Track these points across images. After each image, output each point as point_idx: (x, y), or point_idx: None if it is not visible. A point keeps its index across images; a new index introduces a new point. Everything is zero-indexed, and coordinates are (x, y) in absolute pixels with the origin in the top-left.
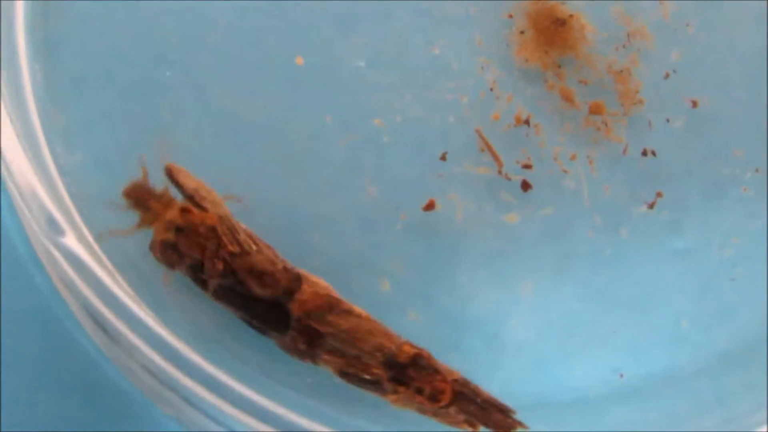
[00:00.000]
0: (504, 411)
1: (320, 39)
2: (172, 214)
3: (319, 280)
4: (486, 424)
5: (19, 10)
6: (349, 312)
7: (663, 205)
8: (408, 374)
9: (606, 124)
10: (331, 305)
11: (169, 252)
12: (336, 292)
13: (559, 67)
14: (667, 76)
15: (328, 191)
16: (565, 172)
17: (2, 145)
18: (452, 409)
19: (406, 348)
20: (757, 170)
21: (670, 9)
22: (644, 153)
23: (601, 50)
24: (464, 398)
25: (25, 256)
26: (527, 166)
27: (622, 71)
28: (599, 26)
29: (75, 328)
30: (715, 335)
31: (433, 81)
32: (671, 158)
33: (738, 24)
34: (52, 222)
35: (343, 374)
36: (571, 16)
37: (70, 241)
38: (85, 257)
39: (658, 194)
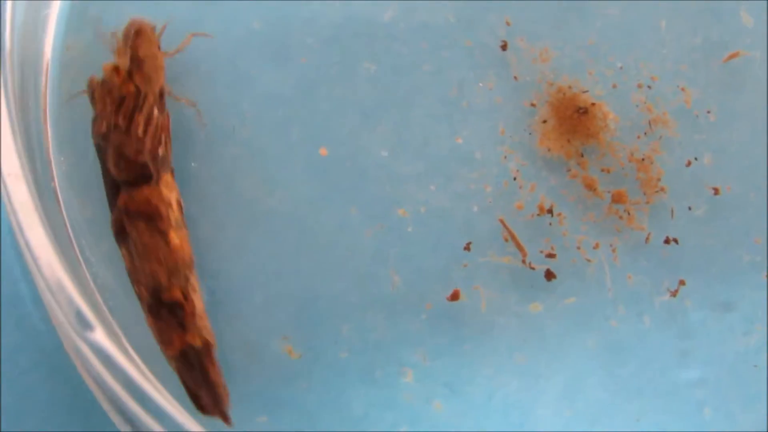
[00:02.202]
0: (216, 400)
1: (344, 129)
2: (107, 67)
3: (173, 194)
4: (192, 398)
5: (45, 100)
6: (160, 232)
7: (685, 293)
8: (161, 313)
9: (628, 213)
10: (151, 218)
11: (90, 95)
12: (175, 212)
13: (582, 155)
14: (689, 164)
15: (354, 281)
16: (588, 261)
17: (30, 240)
18: (174, 365)
19: (176, 294)
20: None
21: (692, 96)
22: (667, 241)
23: (624, 138)
24: (188, 363)
25: (50, 347)
26: (551, 256)
27: (644, 159)
28: (621, 114)
29: (103, 420)
30: (740, 423)
31: (457, 171)
32: (694, 246)
33: (759, 111)
34: (80, 317)
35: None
36: (593, 104)
37: (99, 335)
38: (113, 352)
39: (681, 282)
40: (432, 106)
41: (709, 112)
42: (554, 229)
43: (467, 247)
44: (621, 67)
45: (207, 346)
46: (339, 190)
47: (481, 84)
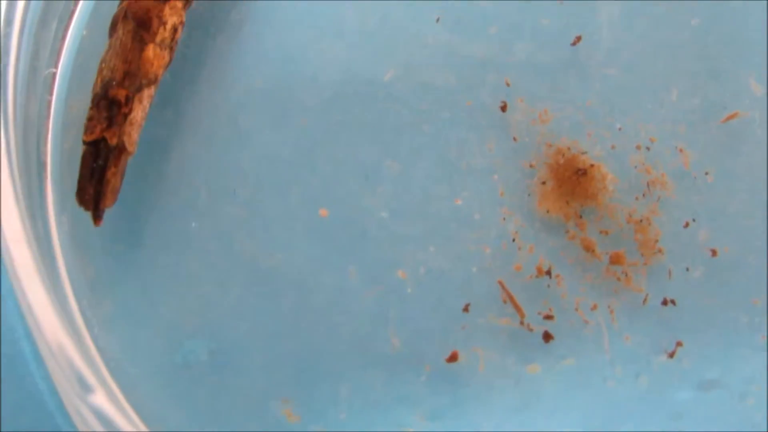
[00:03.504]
0: (97, 198)
1: (344, 190)
2: None
3: (173, 18)
4: (78, 191)
5: (47, 159)
6: (141, 40)
7: (683, 354)
8: (101, 104)
9: (626, 274)
10: (141, 24)
11: None
12: (165, 33)
13: (581, 217)
14: (686, 225)
15: (353, 343)
16: (586, 322)
17: (32, 301)
18: (84, 150)
19: (120, 93)
20: None
21: (690, 158)
22: (664, 302)
23: (622, 200)
24: (95, 154)
25: (51, 407)
26: (549, 317)
27: (642, 221)
28: (620, 176)
29: None
30: None
31: (456, 232)
32: (691, 307)
33: (757, 172)
34: (81, 379)
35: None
36: (592, 166)
37: (99, 398)
38: (114, 414)
39: (678, 343)
40: (432, 167)
41: (707, 173)
42: (552, 291)
43: (466, 309)
44: (620, 129)
45: (121, 149)
46: (339, 251)
47: (481, 145)
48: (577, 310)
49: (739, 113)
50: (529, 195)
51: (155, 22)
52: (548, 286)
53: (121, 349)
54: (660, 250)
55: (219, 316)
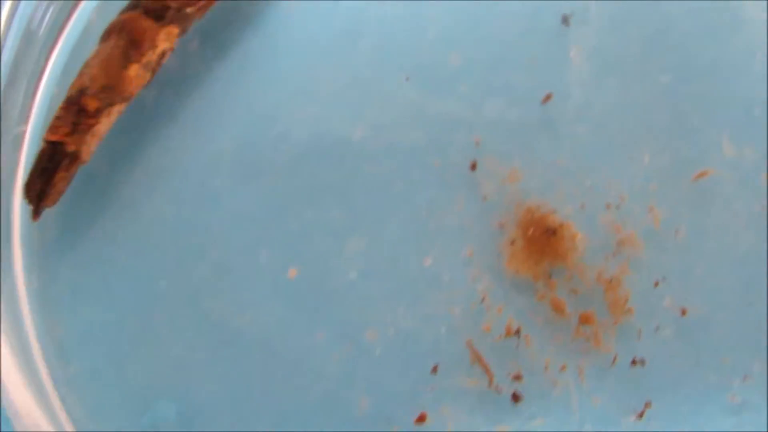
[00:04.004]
0: (41, 196)
1: (313, 251)
2: None
3: (164, 45)
4: (27, 182)
5: (16, 220)
6: (127, 57)
7: (652, 415)
8: (70, 109)
9: (596, 335)
10: (132, 43)
11: None
12: (153, 57)
13: (550, 277)
14: (656, 284)
15: (321, 404)
16: (555, 383)
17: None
18: (41, 146)
19: (92, 104)
20: (744, 378)
21: (660, 216)
22: (633, 362)
23: (592, 259)
24: (51, 154)
25: None
26: (517, 378)
27: (611, 280)
28: (590, 234)
29: None
30: None
31: (425, 292)
32: (660, 367)
33: (728, 230)
34: None
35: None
36: (561, 225)
37: None
38: None
39: (647, 405)
40: (401, 227)
41: (677, 231)
42: (521, 352)
43: (434, 370)
44: (590, 187)
45: (76, 156)
46: (307, 311)
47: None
48: (546, 370)
49: (709, 171)
50: (498, 254)
51: (146, 44)
52: (517, 346)
53: (89, 411)
54: (629, 310)
55: (187, 378)
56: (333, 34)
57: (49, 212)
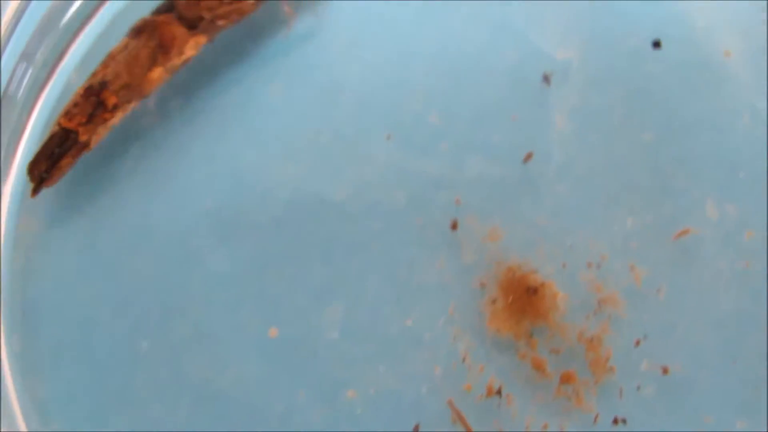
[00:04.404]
0: (45, 176)
1: (294, 310)
2: None
3: (190, 52)
4: (33, 160)
5: None
6: (154, 60)
7: None
8: (90, 99)
9: (577, 394)
10: (161, 46)
11: None
12: (176, 62)
13: (531, 336)
14: (637, 343)
15: None
16: None
17: None
18: (54, 129)
19: (111, 99)
20: None
21: (641, 274)
22: (615, 421)
23: (573, 318)
24: (62, 138)
25: None
26: None
27: (593, 339)
28: (571, 293)
29: None
30: None
31: (406, 352)
32: (642, 426)
33: (710, 289)
34: None
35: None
36: (542, 284)
37: None
38: None
39: None
40: (382, 287)
41: (658, 290)
42: (503, 411)
43: (416, 429)
44: (571, 246)
45: (86, 144)
46: (288, 371)
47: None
48: (527, 429)
49: (690, 230)
50: (479, 314)
51: (175, 50)
52: (499, 405)
53: None
54: (611, 369)
55: None
56: (313, 92)
57: (30, 271)
